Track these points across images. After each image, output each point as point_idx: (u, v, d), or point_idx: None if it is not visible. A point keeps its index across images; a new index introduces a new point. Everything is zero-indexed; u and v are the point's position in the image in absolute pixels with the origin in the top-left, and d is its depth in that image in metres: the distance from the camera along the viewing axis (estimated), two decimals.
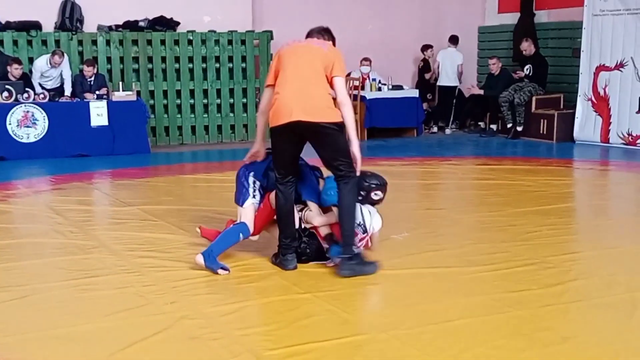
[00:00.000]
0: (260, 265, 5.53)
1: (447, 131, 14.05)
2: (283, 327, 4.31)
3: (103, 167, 10.09)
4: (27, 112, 10.97)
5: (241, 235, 5.50)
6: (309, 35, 5.68)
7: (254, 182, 5.65)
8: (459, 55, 14.03)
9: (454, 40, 14.11)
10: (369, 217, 5.48)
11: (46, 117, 11.03)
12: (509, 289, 4.91)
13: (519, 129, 12.81)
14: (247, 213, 5.56)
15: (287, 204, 5.35)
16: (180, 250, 5.90)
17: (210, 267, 5.31)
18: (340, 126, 5.22)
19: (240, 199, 5.61)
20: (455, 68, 14.00)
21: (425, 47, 14.25)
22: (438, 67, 14.04)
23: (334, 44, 5.60)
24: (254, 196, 5.59)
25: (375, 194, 5.50)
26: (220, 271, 5.28)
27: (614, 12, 11.70)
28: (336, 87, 5.31)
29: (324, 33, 5.67)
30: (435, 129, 14.04)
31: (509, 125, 12.92)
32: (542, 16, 13.71)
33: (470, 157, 11.41)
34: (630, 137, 11.60)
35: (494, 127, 13.49)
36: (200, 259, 5.35)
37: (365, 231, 5.46)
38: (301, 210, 5.57)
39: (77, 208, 7.52)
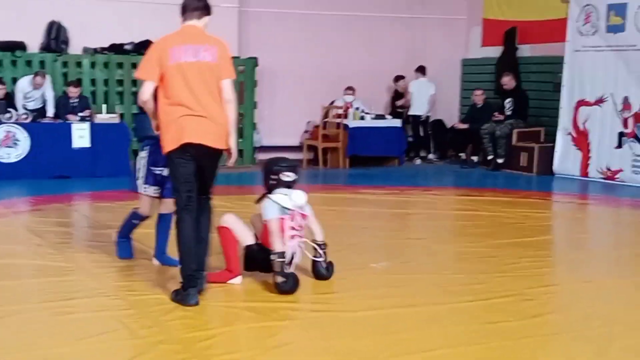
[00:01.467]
0: (238, 291, 5.51)
1: (431, 156, 14.18)
2: (260, 354, 4.30)
3: (84, 189, 10.05)
4: (9, 132, 10.92)
5: (132, 221, 6.15)
6: (184, 13, 5.37)
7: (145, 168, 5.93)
8: (431, 85, 14.15)
9: (421, 70, 14.24)
10: (285, 198, 5.50)
11: (28, 138, 10.98)
12: (487, 320, 4.92)
13: (500, 161, 12.89)
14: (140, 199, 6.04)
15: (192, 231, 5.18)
16: (159, 274, 5.87)
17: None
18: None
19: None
20: (427, 98, 14.12)
21: (397, 78, 14.37)
22: (411, 97, 14.13)
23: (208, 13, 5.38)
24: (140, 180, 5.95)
25: (286, 175, 5.56)
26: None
27: (595, 48, 11.85)
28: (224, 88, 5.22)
29: (202, 10, 5.37)
30: (418, 161, 14.09)
31: (490, 157, 13.01)
32: (525, 50, 13.86)
33: (451, 188, 11.47)
34: (609, 172, 11.70)
35: (475, 158, 13.58)
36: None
37: (288, 211, 5.47)
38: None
39: (56, 230, 7.47)
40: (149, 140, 5.85)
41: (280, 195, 5.52)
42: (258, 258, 5.55)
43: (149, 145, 5.90)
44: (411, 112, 14.18)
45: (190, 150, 5.10)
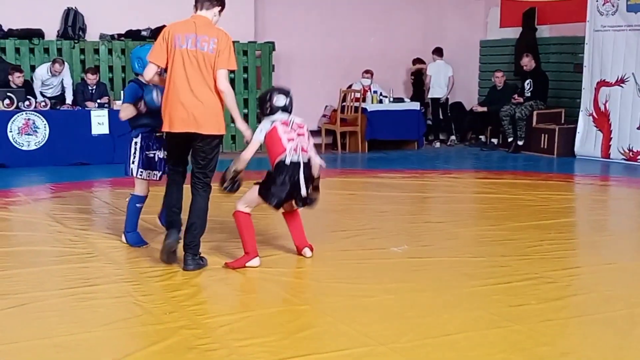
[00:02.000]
0: (259, 276, 5.52)
1: (453, 138, 14.13)
2: (282, 338, 4.30)
3: (103, 176, 10.09)
4: (28, 119, 10.97)
5: (135, 205, 6.33)
6: (196, 3, 5.74)
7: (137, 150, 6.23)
8: (448, 67, 14.05)
9: (438, 52, 14.14)
10: (281, 114, 5.62)
11: (47, 125, 11.04)
12: (508, 304, 4.90)
13: (520, 143, 12.82)
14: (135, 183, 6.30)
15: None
16: (180, 260, 5.89)
17: (132, 244, 6.25)
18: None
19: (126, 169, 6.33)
20: (446, 80, 14.03)
21: (415, 61, 14.30)
22: (430, 80, 14.04)
23: (222, 7, 5.72)
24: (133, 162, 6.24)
25: (277, 98, 5.64)
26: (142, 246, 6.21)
27: (615, 28, 11.73)
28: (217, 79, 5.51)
29: (212, 1, 5.69)
30: (437, 144, 14.02)
31: (510, 140, 12.93)
32: (543, 31, 13.74)
33: (470, 171, 11.41)
34: (630, 153, 11.60)
35: (494, 141, 13.50)
36: (123, 239, 6.36)
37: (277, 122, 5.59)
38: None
39: (77, 216, 7.51)
40: (142, 128, 6.22)
41: (274, 114, 5.65)
42: (271, 179, 5.62)
43: (141, 132, 6.24)
44: (430, 95, 14.11)
45: (175, 136, 5.60)
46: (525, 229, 7.03)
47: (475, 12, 15.17)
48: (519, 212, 7.93)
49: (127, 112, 6.20)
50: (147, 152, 6.23)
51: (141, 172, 6.24)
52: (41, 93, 11.52)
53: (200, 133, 5.50)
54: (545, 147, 12.54)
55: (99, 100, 11.49)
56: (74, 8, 12.19)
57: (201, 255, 5.69)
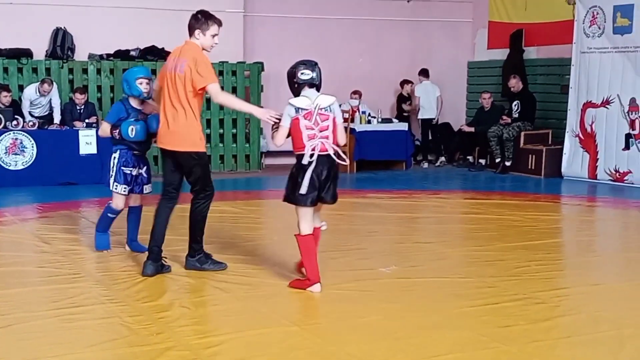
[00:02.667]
0: (248, 297, 5.49)
1: (441, 159, 14.15)
2: None
3: (91, 196, 10.04)
4: (16, 139, 10.94)
5: (107, 214, 6.69)
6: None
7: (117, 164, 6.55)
8: (436, 87, 14.12)
9: (424, 73, 14.22)
10: (302, 99, 5.53)
11: (34, 145, 11.00)
12: (496, 324, 4.89)
13: (508, 163, 12.86)
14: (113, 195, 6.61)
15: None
16: (167, 281, 5.86)
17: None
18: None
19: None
20: (435, 100, 14.09)
21: (404, 83, 14.35)
22: (418, 102, 14.08)
23: (203, 28, 5.93)
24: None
25: (302, 73, 5.58)
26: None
27: (601, 49, 11.82)
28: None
29: (191, 29, 5.97)
30: (425, 165, 14.04)
31: (498, 160, 12.98)
32: (531, 53, 13.84)
33: (458, 191, 11.44)
34: (617, 174, 11.66)
35: (482, 161, 13.55)
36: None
37: (301, 111, 5.50)
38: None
39: (64, 236, 7.48)
40: (121, 145, 6.53)
41: (299, 98, 5.56)
42: (294, 181, 5.59)
43: (120, 148, 6.55)
44: (421, 116, 14.14)
45: (163, 152, 6.06)
46: (513, 250, 7.04)
47: (463, 33, 15.28)
48: (507, 232, 7.94)
49: (104, 132, 6.64)
50: (123, 168, 6.54)
51: (116, 185, 6.56)
52: (29, 113, 11.49)
53: (177, 150, 5.87)
54: (533, 167, 12.59)
55: (87, 120, 11.47)
56: (62, 28, 12.20)
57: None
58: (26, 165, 10.99)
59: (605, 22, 11.73)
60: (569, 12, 12.32)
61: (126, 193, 6.61)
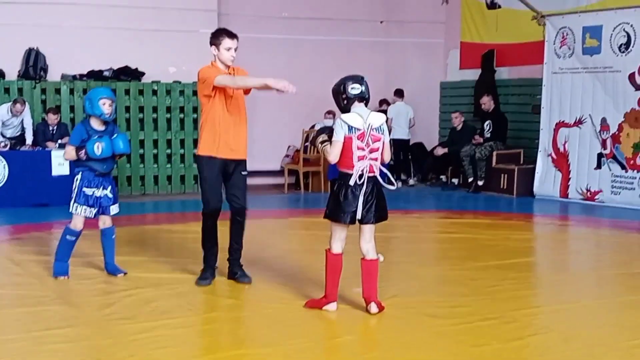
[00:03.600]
0: (220, 318, 5.48)
1: (411, 182, 14.19)
2: None
3: (63, 217, 9.90)
4: None
5: (66, 236, 6.56)
6: None
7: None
8: (409, 108, 14.23)
9: (399, 93, 14.33)
10: (355, 117, 5.37)
11: (6, 166, 10.91)
12: (470, 344, 4.92)
13: (480, 183, 12.96)
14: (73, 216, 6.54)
15: None
16: (140, 303, 5.83)
17: (55, 273, 6.51)
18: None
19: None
20: (407, 121, 14.19)
21: (381, 102, 14.44)
22: (391, 123, 14.17)
23: (216, 43, 6.39)
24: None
25: (352, 87, 5.45)
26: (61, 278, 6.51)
27: (572, 70, 11.98)
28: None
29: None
30: (399, 184, 14.08)
31: (470, 180, 13.07)
32: (502, 73, 13.99)
33: (432, 211, 11.49)
34: (588, 193, 11.78)
35: (455, 181, 13.64)
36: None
37: (355, 130, 5.37)
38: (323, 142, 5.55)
39: (36, 259, 7.41)
40: (83, 166, 6.50)
41: (351, 114, 5.43)
42: (335, 198, 5.47)
43: (82, 170, 6.51)
44: (392, 136, 14.21)
45: None
46: (486, 269, 7.09)
47: (436, 54, 15.41)
48: (480, 252, 7.99)
49: (69, 155, 6.53)
50: (85, 189, 6.48)
51: (76, 207, 6.49)
52: (1, 133, 11.41)
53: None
54: (505, 187, 12.69)
55: (59, 141, 11.41)
56: (35, 48, 12.15)
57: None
58: None
59: (575, 42, 11.91)
60: (539, 33, 12.49)
61: (86, 215, 6.50)
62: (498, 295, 6.16)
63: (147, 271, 6.80)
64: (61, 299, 5.97)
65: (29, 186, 10.98)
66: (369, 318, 5.49)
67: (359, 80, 5.51)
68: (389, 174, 5.59)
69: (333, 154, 5.41)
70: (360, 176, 5.38)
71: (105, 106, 6.38)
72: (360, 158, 5.39)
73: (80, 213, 6.50)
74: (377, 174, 5.48)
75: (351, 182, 5.39)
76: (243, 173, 6.37)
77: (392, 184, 5.57)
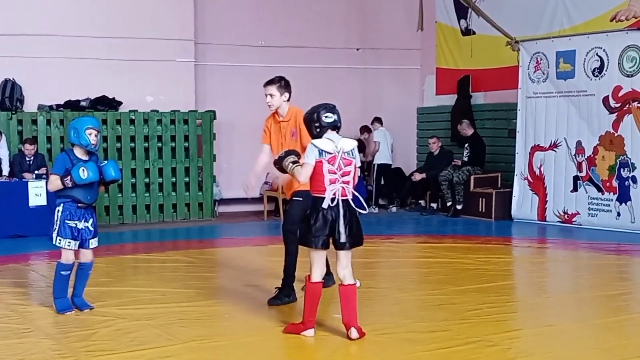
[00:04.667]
0: (203, 346, 5.44)
1: (393, 209, 14.21)
2: None
3: (40, 248, 9.89)
4: None
5: (60, 272, 6.39)
6: None
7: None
8: (389, 134, 14.34)
9: (379, 121, 14.44)
10: (327, 142, 5.49)
11: None
12: None
13: (459, 207, 13.02)
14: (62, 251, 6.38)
15: None
16: (119, 334, 5.78)
17: (58, 310, 6.35)
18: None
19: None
20: (389, 146, 14.29)
21: (364, 129, 14.52)
22: (378, 147, 14.23)
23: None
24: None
25: (326, 116, 5.55)
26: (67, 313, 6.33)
27: (546, 94, 12.12)
28: None
29: None
30: (376, 210, 14.10)
31: (449, 204, 13.13)
32: (478, 98, 14.11)
33: (411, 235, 11.52)
34: (566, 215, 11.87)
35: (434, 205, 13.69)
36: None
37: (326, 154, 5.46)
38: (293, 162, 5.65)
39: (12, 290, 7.34)
40: (64, 198, 6.33)
41: (322, 139, 5.52)
42: (307, 223, 5.53)
43: (63, 202, 6.35)
44: (377, 161, 14.28)
45: None
46: (465, 293, 7.10)
47: (412, 80, 15.54)
48: (459, 275, 8.01)
49: (54, 185, 6.35)
50: (67, 222, 6.33)
51: (59, 240, 6.34)
52: None
53: None
54: (483, 210, 12.76)
55: (36, 171, 11.35)
56: (11, 79, 12.12)
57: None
58: None
59: (548, 67, 12.06)
60: (513, 58, 12.63)
61: (72, 247, 6.36)
62: (478, 319, 6.16)
63: (126, 302, 6.74)
64: (39, 331, 5.91)
65: (5, 217, 10.89)
66: (350, 344, 5.47)
67: (331, 109, 5.62)
68: (360, 197, 5.65)
69: (303, 174, 5.50)
70: (333, 199, 5.43)
71: (92, 136, 6.24)
72: (332, 181, 5.46)
73: (65, 246, 6.34)
74: (349, 197, 5.51)
75: (324, 206, 5.43)
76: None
77: (364, 208, 5.64)
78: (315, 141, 5.52)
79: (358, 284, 5.77)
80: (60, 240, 6.34)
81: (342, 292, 5.58)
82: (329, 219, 5.44)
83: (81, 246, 6.43)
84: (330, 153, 5.47)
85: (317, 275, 5.57)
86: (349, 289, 5.57)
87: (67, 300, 6.46)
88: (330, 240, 5.51)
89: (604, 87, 11.32)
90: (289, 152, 5.80)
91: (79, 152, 6.34)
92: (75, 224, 6.36)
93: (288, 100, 6.91)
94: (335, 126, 5.61)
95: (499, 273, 8.27)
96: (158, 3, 13.20)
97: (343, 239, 5.49)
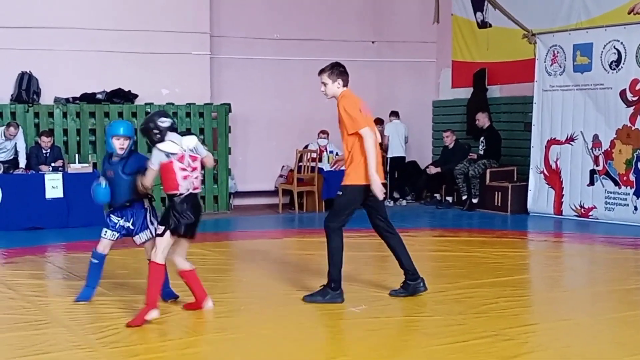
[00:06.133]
0: (219, 340, 5.46)
1: (403, 202, 14.19)
2: None
3: (57, 240, 9.95)
4: None
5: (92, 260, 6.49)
6: (348, 80, 7.04)
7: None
8: (404, 126, 14.29)
9: (395, 114, 14.40)
10: (171, 144, 5.84)
11: (0, 190, 10.89)
12: None
13: (474, 201, 12.98)
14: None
15: None
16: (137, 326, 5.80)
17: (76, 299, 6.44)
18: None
19: None
20: (402, 139, 14.24)
21: (377, 122, 14.48)
22: (387, 140, 14.21)
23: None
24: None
25: (161, 121, 5.89)
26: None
27: (563, 87, 12.05)
28: None
29: None
30: (391, 203, 14.08)
31: (464, 197, 13.09)
32: (494, 91, 14.05)
33: (426, 229, 11.50)
34: (582, 209, 11.81)
35: (449, 199, 13.65)
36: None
37: (173, 155, 5.84)
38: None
39: (30, 282, 7.38)
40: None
41: (167, 143, 5.86)
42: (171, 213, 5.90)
43: None
44: (390, 155, 14.26)
45: None
46: (481, 286, 7.08)
47: (427, 73, 15.48)
48: (474, 269, 7.99)
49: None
50: (112, 216, 6.42)
51: (105, 231, 6.43)
52: None
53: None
54: (499, 204, 12.71)
55: (53, 164, 11.40)
56: (28, 72, 12.17)
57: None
58: None
59: (565, 60, 11.98)
60: (530, 51, 12.56)
61: (107, 237, 6.41)
62: (493, 312, 6.15)
63: (142, 294, 6.75)
64: (55, 322, 5.94)
65: (22, 209, 10.95)
66: (367, 336, 5.47)
67: (164, 114, 6.06)
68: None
69: (147, 179, 5.98)
70: (188, 192, 5.89)
71: (117, 144, 6.24)
72: (185, 177, 5.89)
73: (106, 236, 6.42)
74: (199, 189, 6.04)
75: (177, 200, 5.87)
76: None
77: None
78: (160, 146, 5.85)
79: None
80: (105, 231, 6.43)
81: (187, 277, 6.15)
82: (189, 211, 5.89)
83: (140, 242, 6.45)
84: (175, 154, 5.85)
85: (162, 258, 5.92)
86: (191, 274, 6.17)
87: (90, 290, 6.50)
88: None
89: (621, 80, 11.24)
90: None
91: (113, 157, 6.34)
92: (118, 220, 6.38)
93: (344, 86, 6.87)
94: (174, 128, 5.97)
95: (515, 267, 8.25)
96: None
97: (192, 228, 6.01)
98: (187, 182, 5.90)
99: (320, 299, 6.38)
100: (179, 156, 5.88)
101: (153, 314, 5.76)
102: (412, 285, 6.62)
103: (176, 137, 5.94)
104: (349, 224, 6.52)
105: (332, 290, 6.39)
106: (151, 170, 5.91)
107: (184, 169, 5.89)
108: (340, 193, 6.55)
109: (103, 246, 6.46)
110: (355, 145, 6.49)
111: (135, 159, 6.30)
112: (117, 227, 6.38)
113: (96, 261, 6.49)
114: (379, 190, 6.42)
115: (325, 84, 6.80)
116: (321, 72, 6.86)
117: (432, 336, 5.50)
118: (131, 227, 6.37)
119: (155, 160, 5.87)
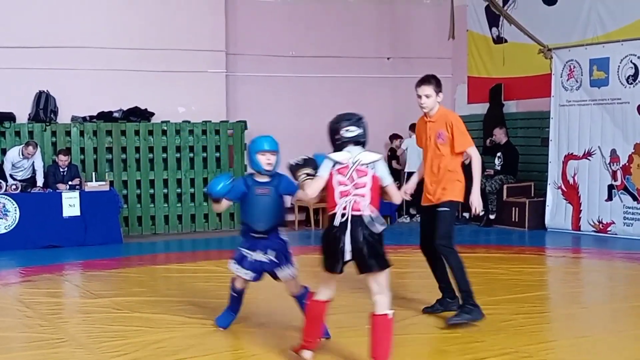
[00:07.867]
0: (235, 356, 5.44)
1: (418, 218, 14.13)
2: None
3: (74, 258, 9.98)
4: None
5: (232, 293, 5.98)
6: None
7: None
8: None
9: (413, 128, 14.36)
10: (342, 154, 4.98)
11: (17, 208, 10.96)
12: None
13: (492, 217, 12.91)
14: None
15: None
16: (151, 344, 5.80)
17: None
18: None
19: None
20: (420, 154, 14.15)
21: (394, 137, 14.48)
22: (404, 153, 14.19)
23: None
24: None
25: (347, 129, 5.01)
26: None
27: (580, 102, 12.00)
28: None
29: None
30: (407, 219, 14.04)
31: (482, 213, 12.99)
32: (511, 106, 14.01)
33: None
34: (600, 225, 11.72)
35: (466, 215, 13.59)
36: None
37: (338, 165, 4.96)
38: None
39: (47, 300, 7.40)
40: (243, 224, 5.97)
41: (340, 152, 4.99)
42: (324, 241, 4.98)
43: (242, 228, 6.01)
44: (407, 169, 14.22)
45: None
46: (499, 303, 7.03)
47: (443, 89, 15.35)
48: (492, 286, 7.93)
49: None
50: (242, 249, 5.88)
51: (237, 268, 5.83)
52: (11, 176, 11.47)
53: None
54: (517, 220, 12.64)
55: (70, 182, 11.46)
56: (45, 91, 12.26)
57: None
58: (9, 229, 10.93)
59: (582, 75, 11.94)
60: (546, 66, 12.53)
61: (240, 274, 5.79)
62: (512, 329, 6.10)
63: (158, 312, 6.76)
64: (73, 340, 5.95)
65: (40, 228, 11.01)
66: None
67: (356, 121, 5.09)
68: (376, 213, 4.96)
69: (312, 188, 4.99)
70: (343, 215, 4.82)
71: (263, 160, 5.81)
72: (343, 194, 4.88)
73: (239, 273, 5.80)
74: (364, 212, 4.85)
75: (335, 223, 4.83)
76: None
77: (378, 225, 4.93)
78: (332, 154, 5.04)
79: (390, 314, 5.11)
80: (238, 268, 5.81)
81: (371, 322, 5.01)
82: (341, 237, 4.83)
83: (275, 278, 5.84)
84: (342, 164, 4.94)
85: (321, 294, 5.15)
86: (378, 320, 4.99)
87: (229, 316, 6.10)
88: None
89: (639, 94, 11.18)
90: (307, 162, 5.36)
91: (257, 176, 5.86)
92: (250, 255, 5.79)
93: (440, 100, 6.58)
94: (358, 142, 5.05)
95: (533, 283, 8.19)
96: (190, 14, 13.29)
97: (362, 261, 4.93)
98: (344, 201, 4.84)
99: (467, 317, 6.17)
100: (342, 167, 4.93)
101: (306, 355, 5.11)
102: (466, 310, 6.32)
103: (355, 149, 5.00)
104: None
105: (472, 306, 6.23)
106: (319, 177, 4.96)
107: (343, 183, 4.88)
108: (447, 209, 6.42)
109: (238, 282, 5.93)
110: (452, 162, 6.56)
111: (287, 179, 5.74)
112: (248, 263, 5.77)
113: (235, 295, 6.01)
114: (479, 206, 6.65)
115: (428, 96, 6.56)
116: (423, 83, 6.61)
117: (451, 353, 5.46)
118: (268, 262, 5.73)
119: (323, 168, 5.00)
